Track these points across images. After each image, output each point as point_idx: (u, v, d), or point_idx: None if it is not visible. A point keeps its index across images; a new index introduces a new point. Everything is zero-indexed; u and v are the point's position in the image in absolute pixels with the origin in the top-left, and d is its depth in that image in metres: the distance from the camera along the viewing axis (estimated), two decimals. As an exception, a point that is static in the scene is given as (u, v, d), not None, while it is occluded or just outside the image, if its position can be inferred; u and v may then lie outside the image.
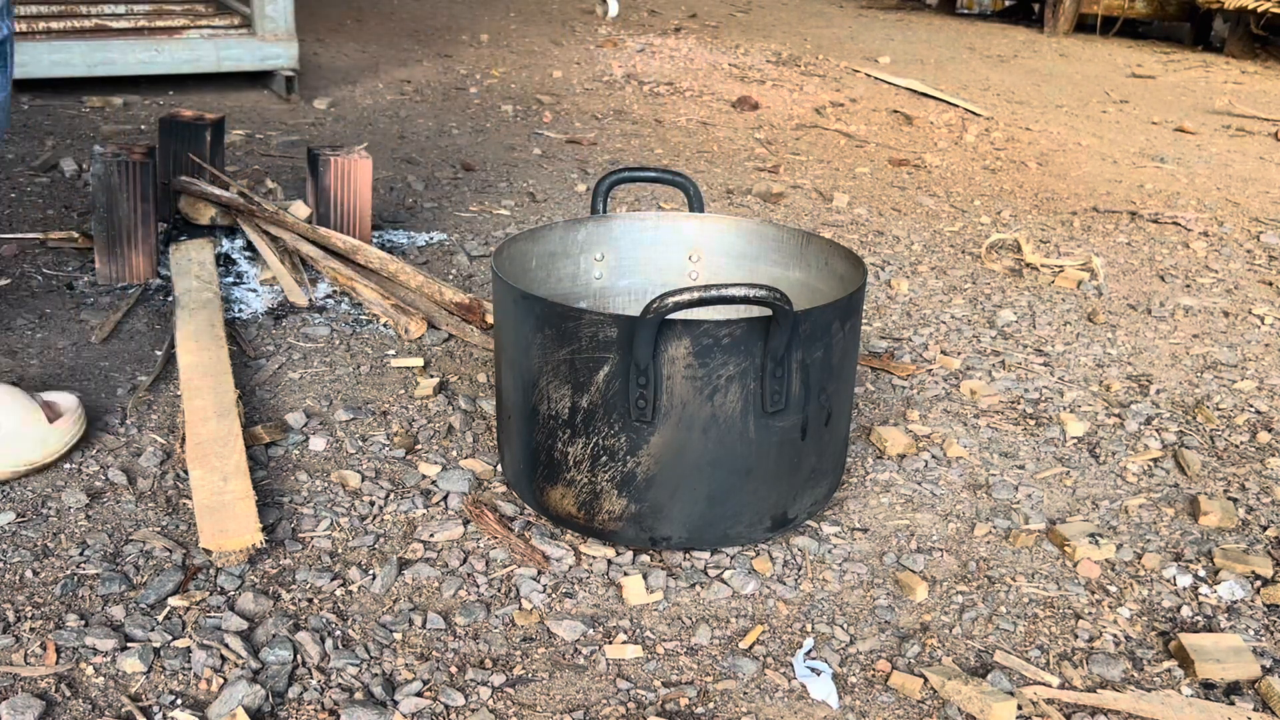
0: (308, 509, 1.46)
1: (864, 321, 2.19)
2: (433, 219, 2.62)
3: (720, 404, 1.29)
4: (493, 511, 1.47)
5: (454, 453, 1.62)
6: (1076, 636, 1.31)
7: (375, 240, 2.41)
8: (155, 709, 1.11)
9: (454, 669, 1.20)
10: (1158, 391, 1.97)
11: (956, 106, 4.29)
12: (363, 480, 1.53)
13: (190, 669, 1.16)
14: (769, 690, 1.20)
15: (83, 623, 1.22)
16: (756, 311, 1.48)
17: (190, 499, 1.43)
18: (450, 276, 2.28)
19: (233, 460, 1.44)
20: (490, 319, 1.98)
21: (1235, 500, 1.63)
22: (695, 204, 1.70)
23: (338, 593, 1.30)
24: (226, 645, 1.19)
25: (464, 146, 3.29)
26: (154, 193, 2.10)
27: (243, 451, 1.47)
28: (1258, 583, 1.43)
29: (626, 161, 3.23)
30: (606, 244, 1.68)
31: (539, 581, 1.34)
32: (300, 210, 2.29)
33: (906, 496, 1.59)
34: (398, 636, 1.24)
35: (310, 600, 1.29)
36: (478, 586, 1.33)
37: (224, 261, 2.20)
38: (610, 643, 1.25)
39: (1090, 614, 1.36)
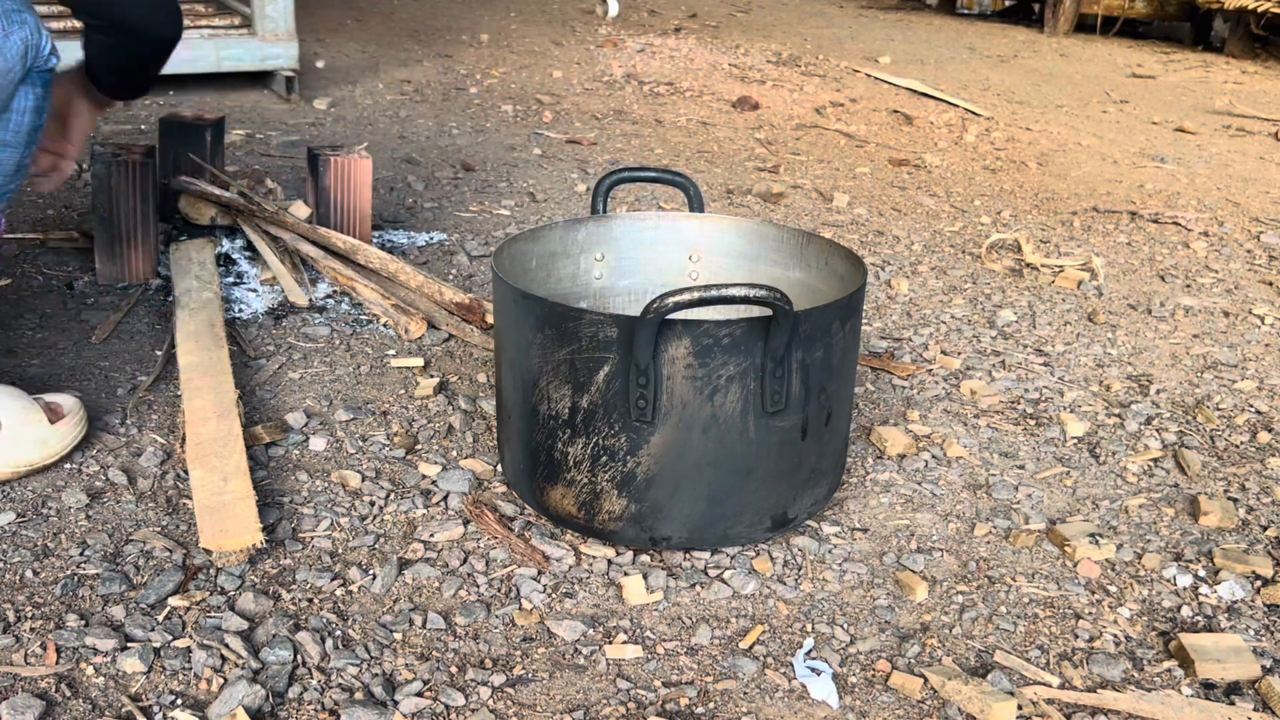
0: (308, 509, 1.46)
1: (864, 321, 2.19)
2: (433, 219, 2.62)
3: (720, 404, 1.30)
4: (493, 511, 1.47)
5: (454, 453, 1.62)
6: (1076, 636, 1.31)
7: (375, 240, 2.41)
8: (155, 709, 1.11)
9: (454, 669, 1.20)
10: (1158, 391, 1.97)
11: (956, 106, 4.29)
12: (363, 480, 1.53)
13: (190, 669, 1.16)
14: (769, 690, 1.20)
15: (83, 623, 1.22)
16: (756, 311, 1.48)
17: (190, 499, 1.43)
18: (450, 276, 2.28)
19: (233, 460, 1.44)
20: (490, 319, 1.98)
21: (1235, 500, 1.63)
22: (695, 204, 1.70)
23: (338, 593, 1.30)
24: (226, 645, 1.19)
25: (464, 146, 3.29)
26: (154, 193, 2.10)
27: (243, 451, 1.47)
28: (1258, 583, 1.43)
29: (626, 161, 3.24)
30: (606, 244, 1.68)
31: (539, 581, 1.34)
32: (300, 210, 2.29)
33: (906, 496, 1.59)
34: (398, 636, 1.24)
35: (310, 600, 1.29)
36: (478, 586, 1.33)
37: (224, 261, 2.20)
38: (610, 643, 1.25)
39: (1090, 614, 1.36)
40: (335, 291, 2.13)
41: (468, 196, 2.81)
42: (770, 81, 4.54)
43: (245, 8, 3.74)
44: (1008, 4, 7.42)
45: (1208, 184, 3.40)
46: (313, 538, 1.40)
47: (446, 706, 1.14)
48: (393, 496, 1.50)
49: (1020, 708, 1.18)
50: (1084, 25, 6.59)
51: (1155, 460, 1.73)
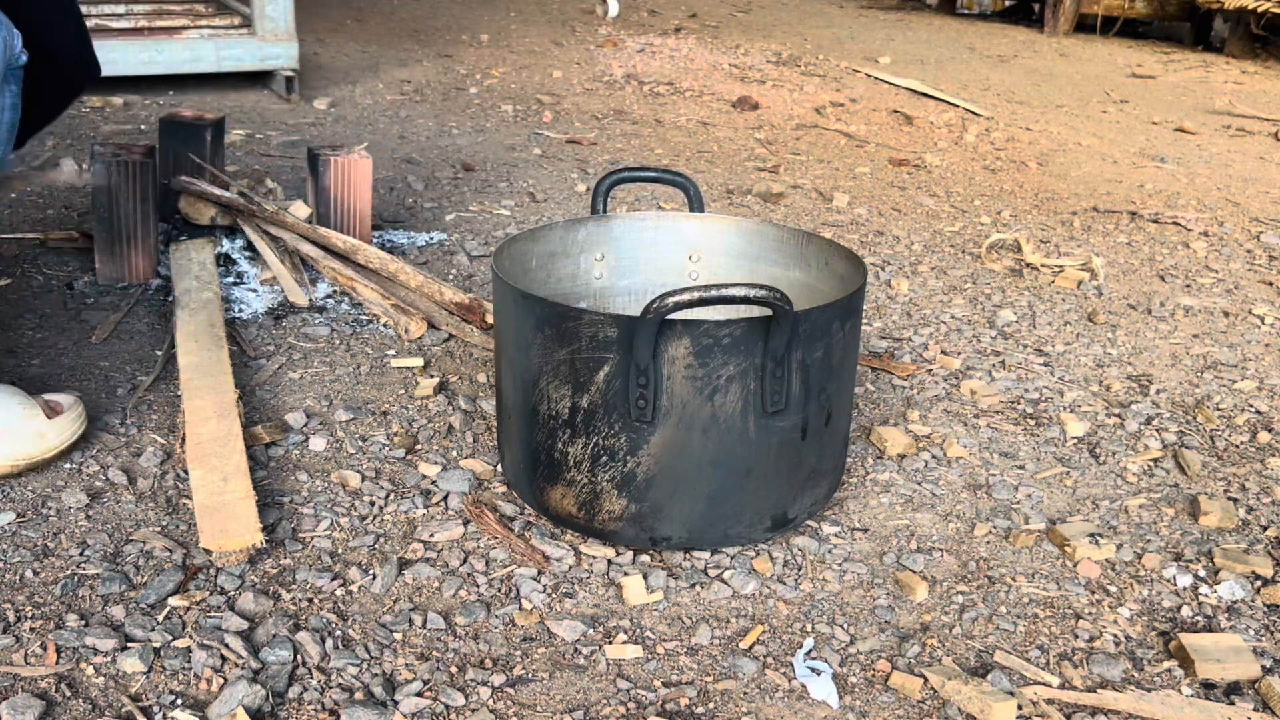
0: (308, 509, 1.46)
1: (864, 321, 2.19)
2: (433, 219, 2.62)
3: (720, 404, 1.29)
4: (493, 511, 1.47)
5: (454, 453, 1.62)
6: (1076, 636, 1.31)
7: (375, 240, 2.41)
8: (155, 709, 1.11)
9: (454, 669, 1.20)
10: (1158, 391, 1.97)
11: (956, 106, 4.29)
12: (363, 480, 1.53)
13: (190, 669, 1.16)
14: (769, 690, 1.20)
15: (83, 623, 1.22)
16: (756, 311, 1.48)
17: (190, 499, 1.43)
18: (450, 276, 2.28)
19: (233, 460, 1.44)
20: (490, 319, 1.98)
21: (1235, 500, 1.63)
22: (695, 204, 1.70)
23: (338, 593, 1.30)
24: (226, 645, 1.19)
25: (464, 146, 3.29)
26: (154, 193, 2.10)
27: (243, 451, 1.47)
28: (1258, 583, 1.43)
29: (626, 161, 3.23)
30: (606, 244, 1.68)
31: (539, 581, 1.34)
32: (300, 210, 2.29)
33: (906, 496, 1.59)
34: (398, 636, 1.24)
35: (310, 600, 1.29)
36: (478, 586, 1.33)
37: (224, 261, 2.20)
38: (610, 643, 1.25)
39: (1090, 614, 1.36)
40: (335, 291, 2.13)
41: (468, 196, 2.81)
42: (770, 81, 4.54)
43: (245, 8, 3.74)
44: (1008, 4, 7.42)
45: (1208, 184, 3.40)
46: (313, 538, 1.40)
47: (446, 706, 1.14)
48: (393, 496, 1.50)
49: (1020, 708, 1.18)
50: (1084, 25, 6.59)
51: (1155, 460, 1.73)
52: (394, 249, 2.40)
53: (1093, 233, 2.85)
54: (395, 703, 1.13)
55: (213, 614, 1.24)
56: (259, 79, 3.80)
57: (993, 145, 3.73)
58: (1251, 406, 1.93)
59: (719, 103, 4.10)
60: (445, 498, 1.50)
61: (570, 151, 3.30)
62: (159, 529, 1.39)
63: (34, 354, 1.82)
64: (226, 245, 2.26)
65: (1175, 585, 1.42)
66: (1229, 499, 1.63)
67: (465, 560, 1.38)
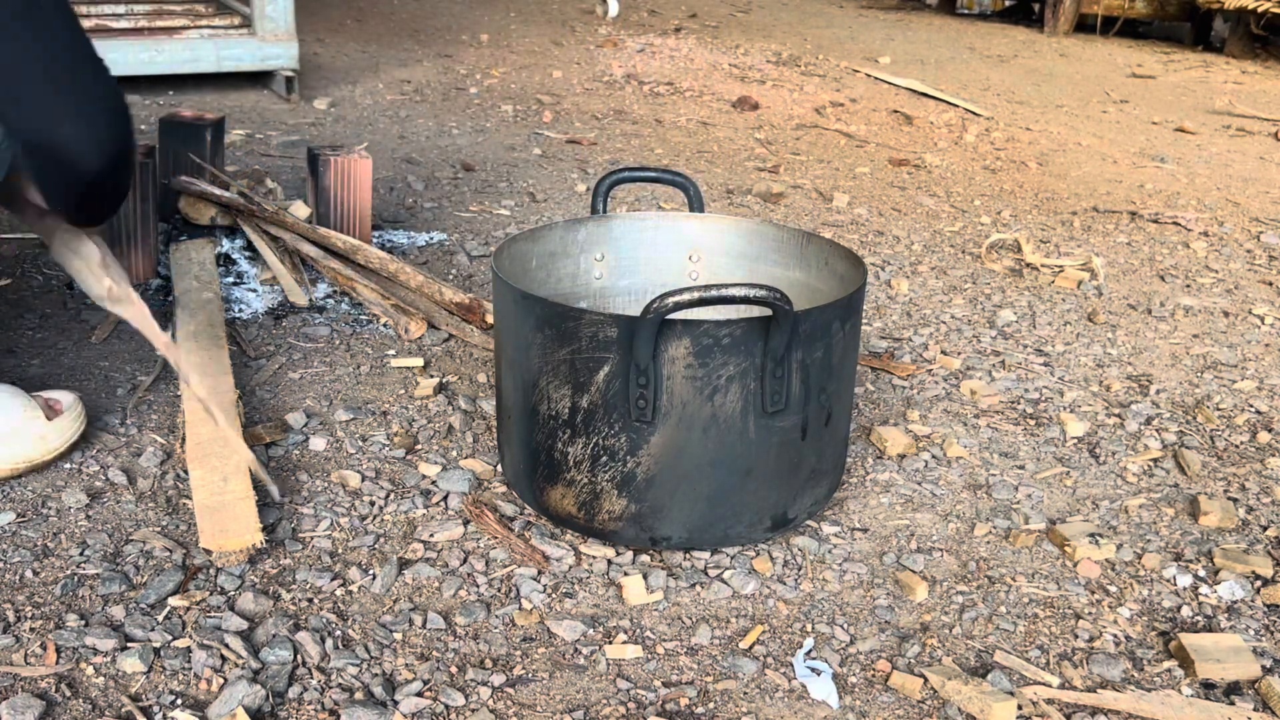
0: (308, 509, 1.46)
1: (864, 321, 2.19)
2: (433, 219, 2.62)
3: (720, 404, 1.29)
4: (493, 511, 1.47)
5: (454, 453, 1.62)
6: (1076, 636, 1.31)
7: (375, 240, 2.41)
8: (155, 709, 1.11)
9: (454, 669, 1.20)
10: (1158, 391, 1.97)
11: (956, 106, 4.29)
12: (363, 480, 1.53)
13: (190, 669, 1.16)
14: (769, 690, 1.20)
15: (83, 623, 1.22)
16: (756, 311, 1.48)
17: (190, 499, 1.43)
18: (450, 276, 2.28)
19: (233, 460, 1.44)
20: (490, 319, 1.98)
21: (1235, 500, 1.63)
22: (695, 204, 1.70)
23: (338, 593, 1.30)
24: (226, 645, 1.19)
25: (464, 146, 3.29)
26: (154, 193, 2.10)
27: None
28: (1258, 583, 1.43)
29: (626, 161, 3.23)
30: (606, 244, 1.68)
31: (539, 581, 1.34)
32: (300, 210, 2.29)
33: (906, 496, 1.59)
34: (398, 636, 1.24)
35: (310, 600, 1.29)
36: (478, 586, 1.33)
37: (224, 261, 2.20)
38: (610, 643, 1.25)
39: (1090, 614, 1.36)
40: (335, 291, 2.13)
41: (468, 196, 2.81)
42: (770, 81, 4.54)
43: (245, 8, 3.74)
44: (1008, 4, 7.42)
45: (1208, 184, 3.40)
46: (313, 538, 1.40)
47: (446, 706, 1.14)
48: (393, 496, 1.50)
49: (1020, 708, 1.18)
50: (1084, 25, 6.60)
51: (1155, 460, 1.73)
52: (394, 249, 2.40)
53: (1093, 233, 2.85)
54: (395, 703, 1.13)
55: (213, 614, 1.24)
56: (259, 79, 3.80)
57: (993, 145, 3.73)
58: (1251, 406, 1.93)
59: (719, 103, 4.10)
60: (445, 498, 1.50)
61: (570, 151, 3.30)
62: (159, 529, 1.39)
63: (34, 354, 1.82)
64: (226, 245, 2.26)
65: (1175, 585, 1.42)
66: (1229, 499, 1.63)
67: (465, 560, 1.38)
